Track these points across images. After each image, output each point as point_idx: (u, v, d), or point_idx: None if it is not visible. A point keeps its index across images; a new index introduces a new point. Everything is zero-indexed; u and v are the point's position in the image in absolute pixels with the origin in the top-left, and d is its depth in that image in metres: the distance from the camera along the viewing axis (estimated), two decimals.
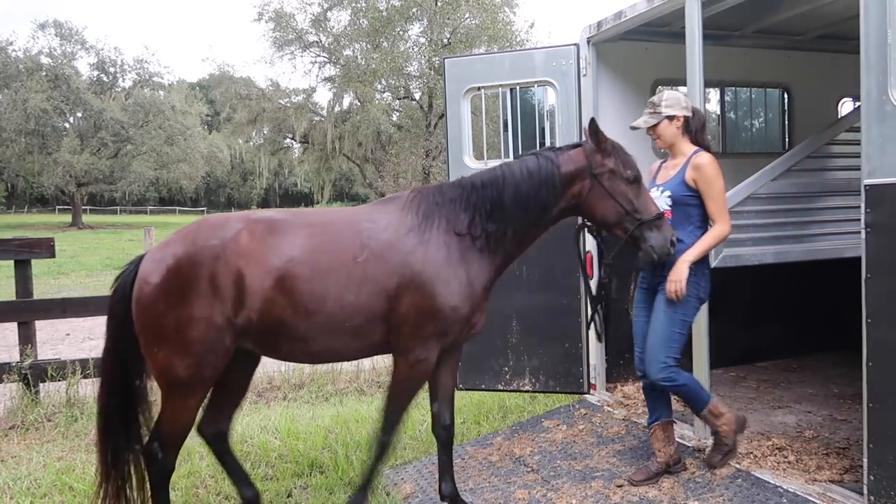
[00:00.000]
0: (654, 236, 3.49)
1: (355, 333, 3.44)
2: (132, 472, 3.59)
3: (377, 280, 3.40)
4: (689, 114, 3.81)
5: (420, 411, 5.94)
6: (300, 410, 6.20)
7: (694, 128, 3.83)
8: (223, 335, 3.29)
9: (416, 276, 3.41)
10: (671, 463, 3.98)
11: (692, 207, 3.74)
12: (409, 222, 3.50)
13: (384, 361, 8.34)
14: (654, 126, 3.82)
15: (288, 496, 4.42)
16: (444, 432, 3.85)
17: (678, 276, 3.63)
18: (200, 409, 3.67)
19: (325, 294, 3.35)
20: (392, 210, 3.59)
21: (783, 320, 6.04)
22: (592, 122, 3.51)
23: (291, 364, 6.68)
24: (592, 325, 4.77)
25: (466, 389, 5.71)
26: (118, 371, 3.52)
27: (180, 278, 3.24)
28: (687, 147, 3.82)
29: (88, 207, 57.42)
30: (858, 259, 3.22)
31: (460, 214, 3.53)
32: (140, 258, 3.44)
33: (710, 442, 4.10)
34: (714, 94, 7.31)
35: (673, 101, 3.79)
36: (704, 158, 3.71)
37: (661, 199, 3.77)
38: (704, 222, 3.76)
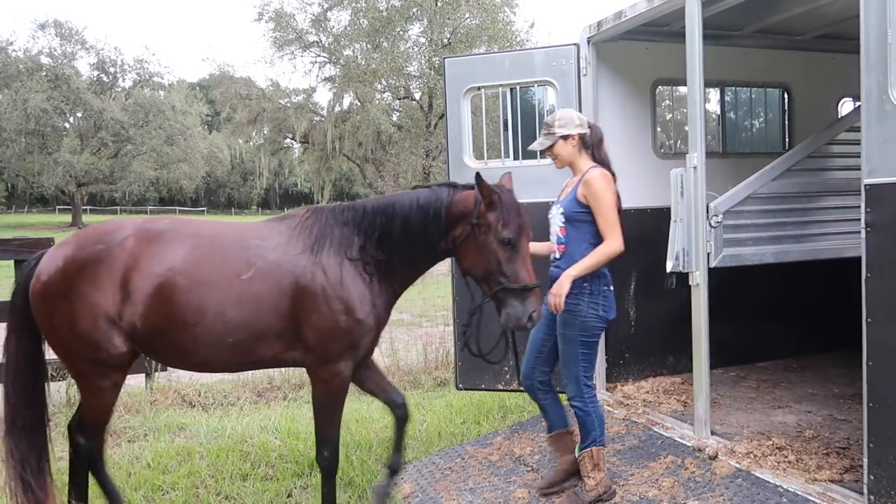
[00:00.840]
0: (514, 305, 3.38)
1: (238, 349, 3.48)
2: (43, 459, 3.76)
3: (264, 299, 3.42)
4: (585, 130, 3.77)
5: (420, 411, 5.95)
6: (300, 410, 6.20)
7: (591, 143, 3.78)
8: (111, 335, 3.41)
9: (315, 297, 3.43)
10: (573, 472, 3.94)
11: (585, 224, 3.68)
12: (301, 243, 3.52)
13: (384, 361, 8.35)
14: (550, 147, 3.78)
15: (288, 496, 4.42)
16: (399, 410, 3.88)
17: (559, 291, 3.55)
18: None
19: (203, 307, 3.40)
20: (283, 230, 3.60)
21: (783, 320, 6.04)
22: (478, 175, 3.41)
23: None
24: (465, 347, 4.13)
25: (466, 389, 5.71)
26: (22, 361, 3.64)
27: (66, 279, 3.40)
28: (584, 163, 3.77)
29: (88, 207, 57.41)
30: (858, 259, 3.22)
31: (353, 239, 3.54)
32: (41, 255, 3.58)
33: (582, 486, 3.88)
34: (714, 93, 7.31)
35: (566, 120, 3.75)
36: (594, 174, 3.65)
37: (556, 217, 3.78)
38: (599, 239, 3.68)
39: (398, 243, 3.53)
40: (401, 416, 3.88)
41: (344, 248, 3.51)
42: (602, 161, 3.76)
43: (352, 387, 3.75)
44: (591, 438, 3.78)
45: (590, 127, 3.80)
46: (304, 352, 3.53)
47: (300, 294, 3.44)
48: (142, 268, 3.40)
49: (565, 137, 3.74)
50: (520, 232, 3.40)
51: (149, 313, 3.40)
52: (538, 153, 5.44)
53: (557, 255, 3.77)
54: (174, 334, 3.43)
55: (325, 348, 3.50)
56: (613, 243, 3.61)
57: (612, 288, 3.77)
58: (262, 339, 3.48)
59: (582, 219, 3.68)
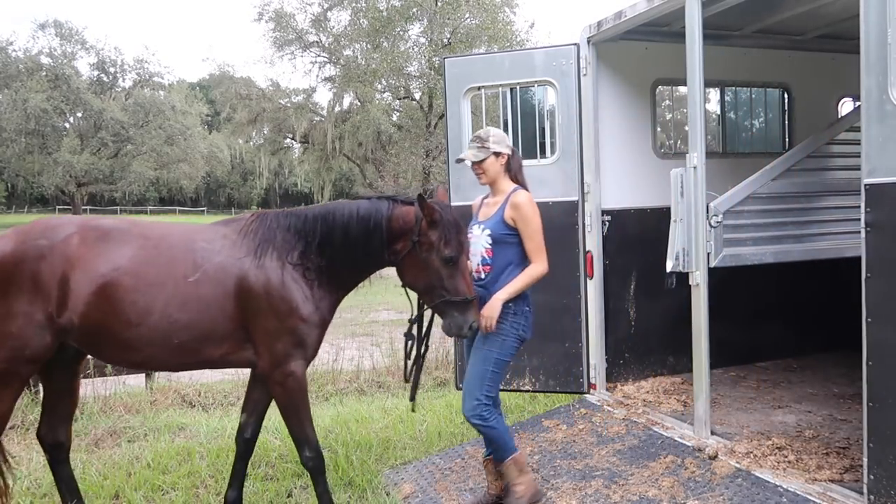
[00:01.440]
0: (455, 317, 3.52)
1: (183, 349, 3.54)
2: None
3: (209, 301, 3.50)
4: (510, 153, 3.82)
5: (421, 411, 5.95)
6: None
7: (514, 167, 3.83)
8: (43, 332, 3.42)
9: (261, 299, 3.52)
10: (504, 496, 3.91)
11: (511, 246, 3.71)
12: (246, 247, 3.59)
13: (385, 361, 8.35)
14: (482, 161, 3.76)
15: (288, 496, 4.42)
16: (243, 445, 3.96)
17: (490, 313, 3.60)
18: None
19: (149, 307, 3.45)
20: (229, 233, 3.67)
21: (783, 320, 6.04)
22: (420, 196, 3.52)
23: None
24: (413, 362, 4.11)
25: None
26: None
27: (3, 273, 3.39)
28: (507, 185, 3.80)
29: (89, 207, 57.35)
30: (858, 259, 3.22)
31: (294, 244, 3.62)
32: None
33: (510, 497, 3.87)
34: (714, 93, 7.30)
35: (499, 138, 3.78)
36: (522, 197, 3.69)
37: (481, 237, 3.75)
38: (524, 260, 3.72)
39: (338, 251, 3.62)
40: (240, 448, 3.95)
41: (286, 252, 3.60)
42: (523, 185, 3.81)
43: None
44: (507, 449, 3.80)
45: (513, 151, 3.86)
46: (255, 354, 3.60)
47: (245, 296, 3.52)
48: (85, 266, 3.43)
49: (497, 154, 3.76)
50: (460, 249, 3.54)
51: (90, 311, 3.42)
52: (538, 153, 5.48)
53: (483, 276, 3.75)
54: (117, 333, 3.47)
55: (273, 348, 3.56)
56: (540, 266, 3.69)
57: (531, 308, 3.82)
58: (208, 340, 3.55)
59: (509, 240, 3.70)
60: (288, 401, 3.68)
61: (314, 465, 3.74)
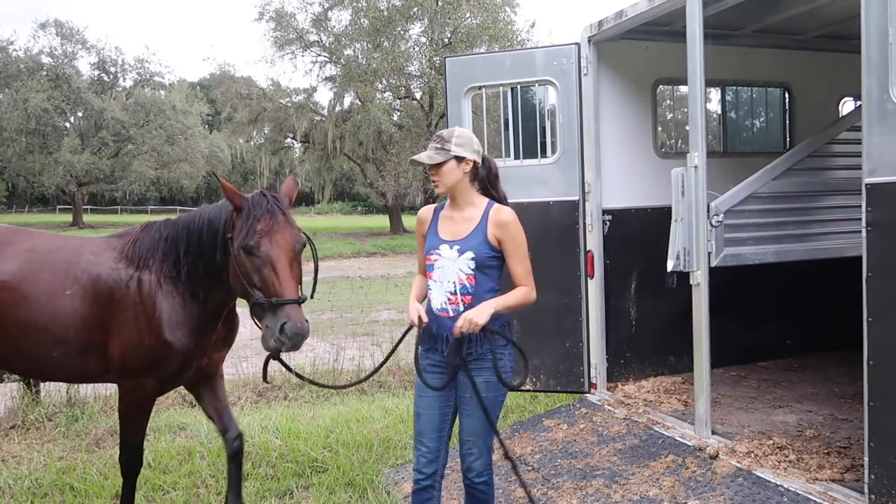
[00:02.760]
0: (266, 327, 3.00)
1: (65, 364, 3.49)
2: None
3: (83, 314, 3.41)
4: (479, 159, 3.15)
5: None
6: (301, 410, 6.20)
7: (484, 176, 3.18)
8: None
9: (121, 312, 3.38)
10: None
11: (493, 270, 3.10)
12: (126, 258, 3.47)
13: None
14: (439, 165, 3.08)
15: (289, 496, 4.42)
16: (231, 445, 3.74)
17: (478, 318, 2.90)
18: None
19: (27, 323, 3.41)
20: (117, 244, 3.57)
21: (784, 319, 6.04)
22: (218, 179, 3.21)
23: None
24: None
25: None
26: None
27: None
28: (475, 197, 3.15)
29: (89, 207, 57.46)
30: (859, 258, 3.22)
31: (169, 255, 3.42)
32: None
33: None
34: (715, 93, 7.32)
35: (465, 140, 3.11)
36: (509, 215, 3.08)
37: (457, 261, 3.06)
38: (500, 285, 3.13)
39: (196, 259, 3.36)
40: (233, 450, 3.74)
41: (163, 264, 3.41)
42: (502, 200, 3.18)
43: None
44: None
45: (484, 159, 3.21)
46: (113, 364, 3.46)
47: (111, 308, 3.40)
48: None
49: (459, 159, 3.08)
50: (260, 236, 3.03)
51: None
52: (539, 152, 5.48)
53: (461, 308, 3.03)
54: (2, 347, 3.49)
55: (126, 363, 3.43)
56: (533, 292, 3.09)
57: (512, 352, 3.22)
58: (88, 355, 3.47)
59: (492, 264, 3.08)
60: (128, 409, 3.57)
61: (129, 467, 3.64)
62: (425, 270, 3.21)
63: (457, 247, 3.08)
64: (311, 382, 3.79)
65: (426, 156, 3.12)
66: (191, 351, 3.46)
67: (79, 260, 3.50)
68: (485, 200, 3.16)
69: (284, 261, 3.03)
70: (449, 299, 3.08)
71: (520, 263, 3.08)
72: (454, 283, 3.06)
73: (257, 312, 3.07)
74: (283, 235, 3.07)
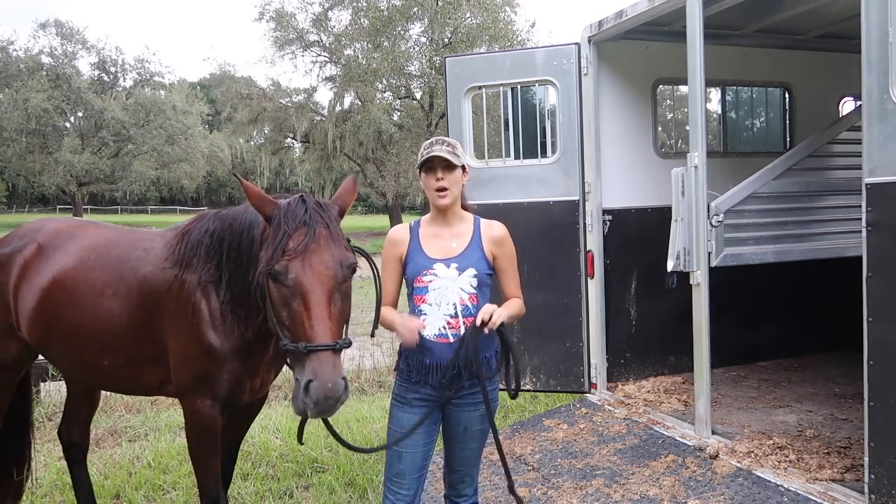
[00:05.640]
0: (296, 381, 2.32)
1: (117, 374, 3.12)
2: None
3: (127, 318, 2.99)
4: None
5: None
6: None
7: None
8: (7, 341, 3.31)
9: (169, 315, 2.92)
10: None
11: (488, 288, 2.89)
12: (173, 255, 2.95)
13: (385, 361, 8.34)
14: (453, 169, 2.81)
15: (289, 496, 4.42)
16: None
17: (497, 316, 2.67)
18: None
19: (75, 325, 3.07)
20: (170, 238, 3.08)
21: (784, 319, 6.04)
22: (246, 186, 2.49)
23: None
24: None
25: None
26: None
27: None
28: (460, 211, 2.94)
29: (89, 207, 57.44)
30: (859, 258, 3.22)
31: (212, 254, 2.88)
32: None
33: None
34: (715, 93, 7.31)
35: (461, 152, 2.89)
36: (503, 230, 2.91)
37: (460, 280, 2.80)
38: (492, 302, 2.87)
39: (236, 270, 2.82)
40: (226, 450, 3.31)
41: (206, 264, 2.87)
42: (466, 209, 2.99)
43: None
44: None
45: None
46: (163, 373, 3.04)
47: (159, 313, 2.95)
48: (31, 278, 3.20)
49: (464, 169, 2.88)
50: (299, 259, 2.32)
51: (33, 327, 3.19)
52: (539, 152, 5.47)
53: (462, 331, 2.77)
54: (55, 350, 3.24)
55: (177, 376, 2.97)
56: (524, 306, 2.96)
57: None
58: (139, 365, 3.05)
59: (489, 282, 2.88)
60: (191, 440, 3.05)
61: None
62: (394, 300, 2.90)
63: (454, 265, 2.81)
64: (351, 448, 2.99)
65: (446, 151, 2.79)
66: (237, 368, 2.96)
67: (129, 256, 3.07)
68: (469, 214, 2.96)
69: (320, 292, 2.30)
70: (448, 323, 2.77)
71: (513, 279, 2.93)
72: (454, 304, 2.78)
73: (289, 361, 2.44)
74: (320, 258, 2.33)
